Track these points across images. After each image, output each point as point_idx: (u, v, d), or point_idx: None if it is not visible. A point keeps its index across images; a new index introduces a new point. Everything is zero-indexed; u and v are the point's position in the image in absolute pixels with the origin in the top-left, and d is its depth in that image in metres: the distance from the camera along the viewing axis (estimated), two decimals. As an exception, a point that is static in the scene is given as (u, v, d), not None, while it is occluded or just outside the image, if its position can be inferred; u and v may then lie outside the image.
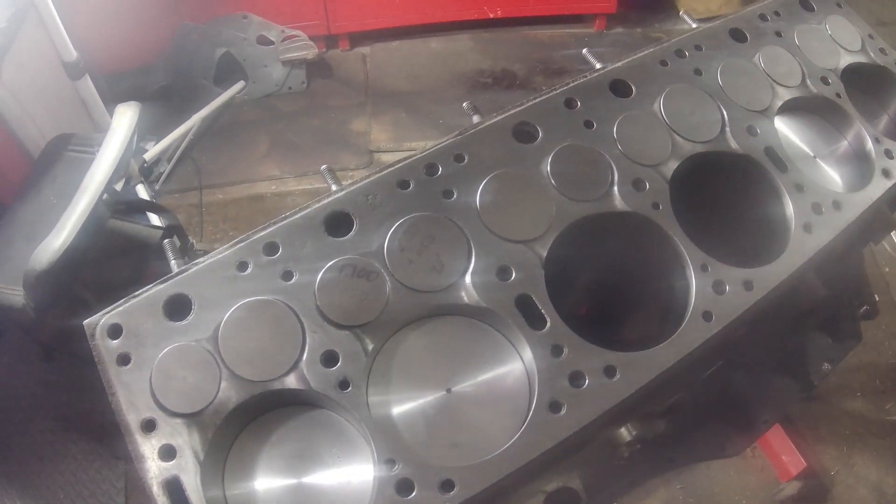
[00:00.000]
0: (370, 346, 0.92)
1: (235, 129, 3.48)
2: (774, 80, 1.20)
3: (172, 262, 1.03)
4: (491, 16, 3.97)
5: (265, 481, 0.93)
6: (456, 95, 3.66)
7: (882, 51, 1.32)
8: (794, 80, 1.21)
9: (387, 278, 0.94)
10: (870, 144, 1.19)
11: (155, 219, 2.08)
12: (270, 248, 0.97)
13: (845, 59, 1.29)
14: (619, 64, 1.14)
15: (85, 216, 1.44)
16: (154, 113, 2.90)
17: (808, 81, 1.23)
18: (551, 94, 1.09)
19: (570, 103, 1.08)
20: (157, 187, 3.00)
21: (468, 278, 0.94)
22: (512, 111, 1.07)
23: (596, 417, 0.89)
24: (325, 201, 0.99)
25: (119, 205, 1.75)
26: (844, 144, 1.22)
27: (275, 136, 3.47)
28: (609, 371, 0.92)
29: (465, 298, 0.94)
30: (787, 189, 1.10)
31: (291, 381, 0.92)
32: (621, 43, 3.95)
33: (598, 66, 1.15)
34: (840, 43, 1.29)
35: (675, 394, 1.05)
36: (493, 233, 0.97)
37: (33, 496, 2.13)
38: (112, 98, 2.10)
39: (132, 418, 0.95)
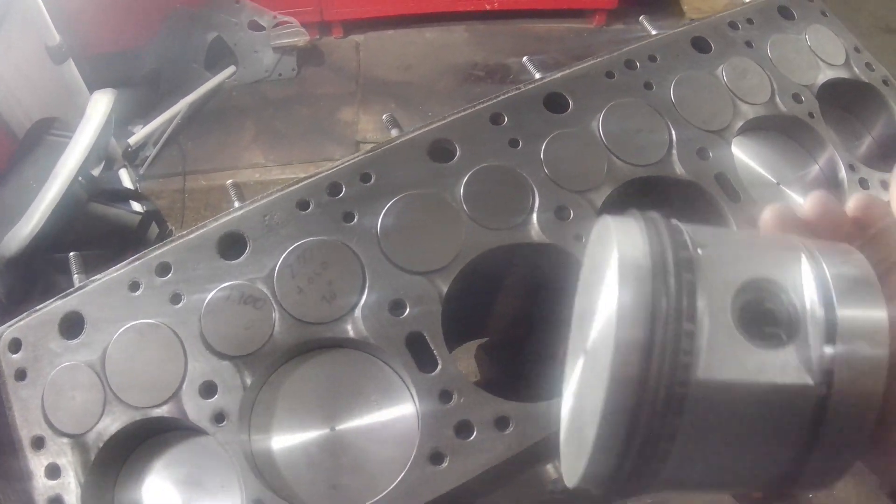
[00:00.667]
0: (249, 379, 0.87)
1: (223, 114, 3.51)
2: (737, 97, 1.07)
3: (75, 276, 1.01)
4: (487, 7, 3.86)
5: None
6: (448, 87, 3.62)
7: (868, 66, 1.16)
8: (762, 96, 1.08)
9: (274, 307, 0.89)
10: (843, 172, 1.06)
11: (136, 204, 2.06)
12: (163, 269, 0.93)
13: (825, 74, 1.14)
14: (558, 75, 1.03)
15: (55, 203, 1.42)
16: (142, 97, 2.88)
17: (778, 98, 1.09)
18: (477, 107, 0.99)
19: (496, 119, 0.98)
20: (141, 171, 3.02)
21: (358, 311, 0.88)
22: (432, 125, 0.98)
23: (481, 472, 0.82)
24: (222, 220, 0.94)
25: (97, 190, 1.73)
26: (815, 170, 1.09)
27: (262, 123, 3.49)
28: (501, 423, 0.84)
29: (353, 333, 0.87)
30: (736, 221, 0.99)
31: (170, 410, 0.88)
32: (620, 40, 3.77)
33: (537, 76, 1.05)
34: (820, 56, 1.14)
35: None
36: (392, 262, 0.90)
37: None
38: (100, 82, 2.09)
39: (24, 434, 0.95)
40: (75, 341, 0.93)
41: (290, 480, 0.87)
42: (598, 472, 0.47)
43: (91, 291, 0.95)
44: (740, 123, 1.06)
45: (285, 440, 0.88)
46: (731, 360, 0.46)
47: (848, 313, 0.48)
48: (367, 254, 0.90)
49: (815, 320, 0.48)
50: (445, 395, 0.84)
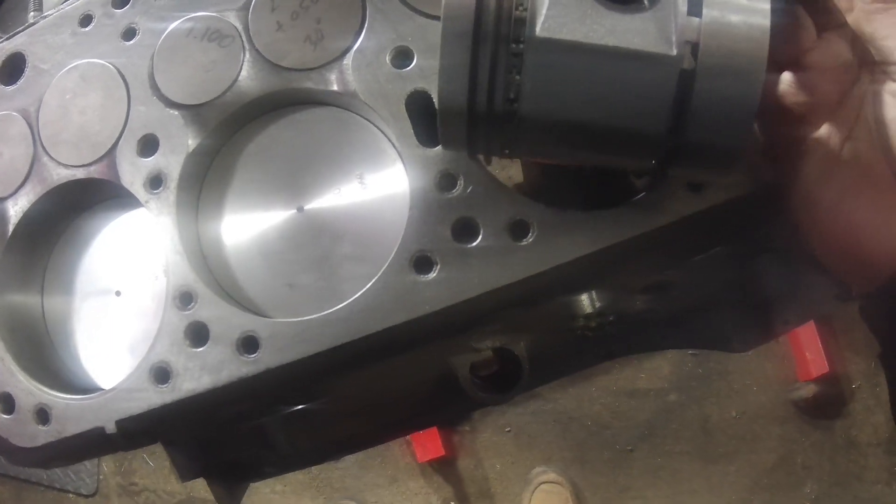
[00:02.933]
0: (200, 136, 0.65)
1: None
2: None
3: (31, 14, 0.81)
4: None
5: (81, 291, 0.74)
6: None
7: None
8: None
9: (244, 45, 0.65)
10: None
11: None
12: (122, -1, 0.72)
13: None
14: None
15: None
16: None
17: None
18: None
19: None
20: None
21: (349, 58, 0.63)
22: None
23: (480, 293, 0.56)
24: (199, -61, 0.71)
25: None
26: None
27: None
28: (518, 229, 0.57)
29: (338, 86, 0.63)
30: None
31: (101, 171, 0.68)
32: None
33: None
34: None
35: (650, 272, 0.69)
36: (404, -2, 0.64)
37: None
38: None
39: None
40: (12, 87, 0.75)
41: (237, 270, 0.65)
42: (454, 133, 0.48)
43: (38, 28, 0.75)
44: None
45: (238, 219, 0.65)
46: (576, 20, 0.42)
47: None
48: (374, -16, 0.64)
49: None
50: (447, 181, 0.58)
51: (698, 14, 0.43)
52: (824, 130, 0.53)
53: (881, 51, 0.50)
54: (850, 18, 0.51)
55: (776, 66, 0.56)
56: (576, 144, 0.48)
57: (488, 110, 0.46)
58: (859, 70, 0.53)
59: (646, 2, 0.42)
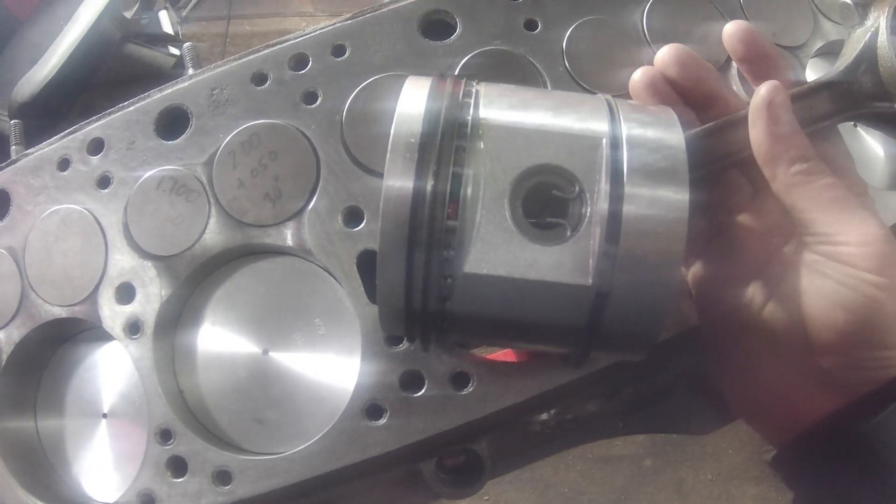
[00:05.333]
0: (172, 286, 0.71)
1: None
2: (822, 12, 0.79)
3: (13, 147, 0.87)
4: None
5: (71, 414, 0.80)
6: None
7: None
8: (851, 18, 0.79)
9: (210, 200, 0.72)
10: None
11: (174, 49, 1.92)
12: (95, 146, 0.78)
13: None
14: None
15: (76, 44, 1.32)
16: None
17: None
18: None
19: (514, -11, 0.76)
20: (183, 14, 2.84)
21: (305, 217, 0.70)
22: (429, -10, 0.76)
23: (425, 438, 0.63)
24: (167, 91, 0.77)
25: (131, 31, 1.63)
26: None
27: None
28: (459, 380, 0.64)
29: (294, 243, 0.69)
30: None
31: (85, 312, 0.75)
32: None
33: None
34: None
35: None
36: (354, 159, 0.70)
37: None
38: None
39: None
40: (0, 224, 0.81)
41: (211, 406, 0.72)
42: (393, 324, 0.54)
43: (20, 167, 0.81)
44: (820, 44, 0.78)
45: (211, 359, 0.72)
46: (500, 256, 0.46)
47: (634, 212, 0.45)
48: (325, 146, 0.71)
49: (600, 213, 0.46)
50: (395, 338, 0.66)
51: (616, 234, 0.45)
52: (750, 289, 0.55)
53: (800, 222, 0.52)
54: (774, 187, 0.53)
55: (708, 223, 0.59)
56: (502, 337, 0.54)
57: (423, 307, 0.51)
58: (791, 232, 0.54)
59: (568, 232, 0.46)
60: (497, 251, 0.47)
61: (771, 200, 0.55)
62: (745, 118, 0.54)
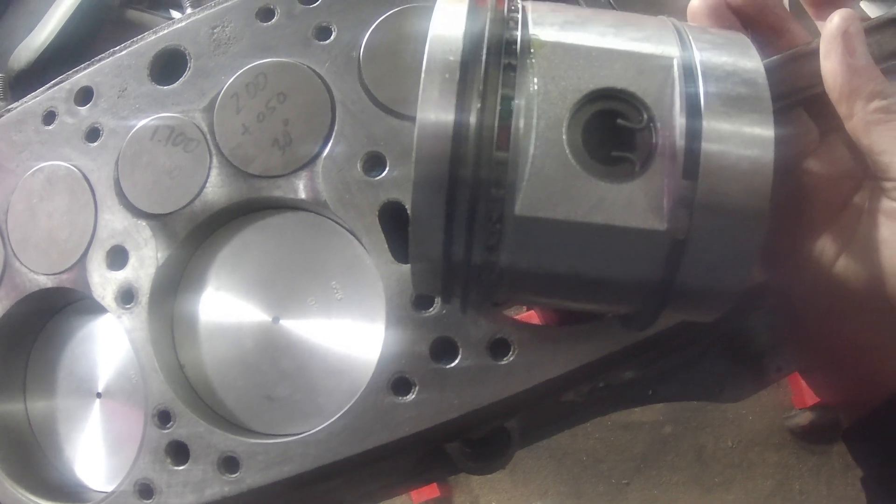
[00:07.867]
0: (169, 248, 0.63)
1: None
2: None
3: (-1, 103, 0.79)
4: None
5: (63, 393, 0.72)
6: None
7: None
8: None
9: (210, 150, 0.63)
10: None
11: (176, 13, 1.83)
12: (84, 96, 0.70)
13: None
14: None
15: (72, 10, 1.24)
16: None
17: None
18: None
19: None
20: None
21: (320, 164, 0.61)
22: None
23: (459, 415, 0.55)
24: (162, 33, 0.69)
25: None
26: None
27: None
28: (498, 348, 0.55)
29: (308, 194, 0.61)
30: None
31: (73, 280, 0.66)
32: None
33: None
34: None
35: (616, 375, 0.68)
36: (374, 99, 0.61)
37: None
38: None
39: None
40: (-19, 184, 0.73)
41: (215, 383, 0.63)
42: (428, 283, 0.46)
43: (2, 124, 0.73)
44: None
45: (214, 329, 0.64)
46: (559, 195, 0.40)
47: (715, 147, 0.40)
48: (341, 85, 0.62)
49: (674, 146, 0.40)
50: (424, 299, 0.57)
51: (695, 171, 0.39)
52: (820, 242, 0.51)
53: (877, 165, 0.47)
54: (849, 126, 0.48)
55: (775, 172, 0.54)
56: (557, 294, 0.46)
57: (465, 259, 0.43)
58: (863, 178, 0.50)
59: (637, 167, 0.40)
60: (555, 189, 0.39)
61: (840, 144, 0.50)
62: (816, 51, 0.48)
